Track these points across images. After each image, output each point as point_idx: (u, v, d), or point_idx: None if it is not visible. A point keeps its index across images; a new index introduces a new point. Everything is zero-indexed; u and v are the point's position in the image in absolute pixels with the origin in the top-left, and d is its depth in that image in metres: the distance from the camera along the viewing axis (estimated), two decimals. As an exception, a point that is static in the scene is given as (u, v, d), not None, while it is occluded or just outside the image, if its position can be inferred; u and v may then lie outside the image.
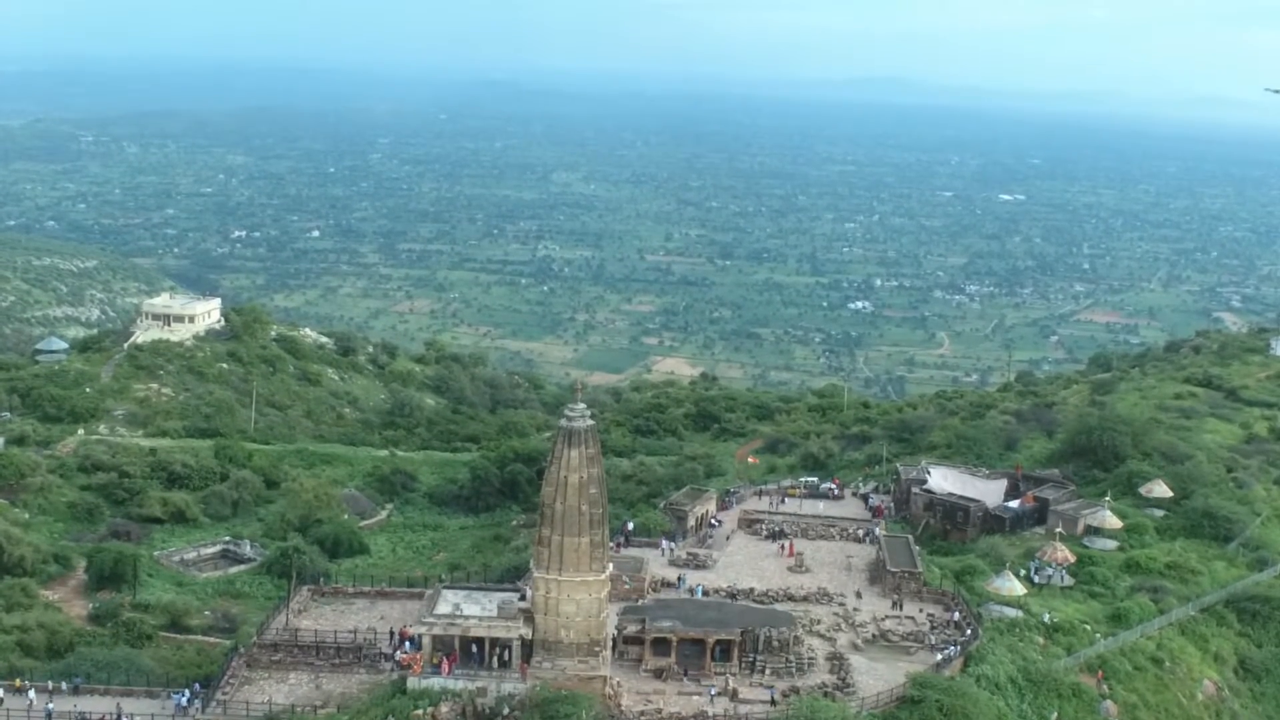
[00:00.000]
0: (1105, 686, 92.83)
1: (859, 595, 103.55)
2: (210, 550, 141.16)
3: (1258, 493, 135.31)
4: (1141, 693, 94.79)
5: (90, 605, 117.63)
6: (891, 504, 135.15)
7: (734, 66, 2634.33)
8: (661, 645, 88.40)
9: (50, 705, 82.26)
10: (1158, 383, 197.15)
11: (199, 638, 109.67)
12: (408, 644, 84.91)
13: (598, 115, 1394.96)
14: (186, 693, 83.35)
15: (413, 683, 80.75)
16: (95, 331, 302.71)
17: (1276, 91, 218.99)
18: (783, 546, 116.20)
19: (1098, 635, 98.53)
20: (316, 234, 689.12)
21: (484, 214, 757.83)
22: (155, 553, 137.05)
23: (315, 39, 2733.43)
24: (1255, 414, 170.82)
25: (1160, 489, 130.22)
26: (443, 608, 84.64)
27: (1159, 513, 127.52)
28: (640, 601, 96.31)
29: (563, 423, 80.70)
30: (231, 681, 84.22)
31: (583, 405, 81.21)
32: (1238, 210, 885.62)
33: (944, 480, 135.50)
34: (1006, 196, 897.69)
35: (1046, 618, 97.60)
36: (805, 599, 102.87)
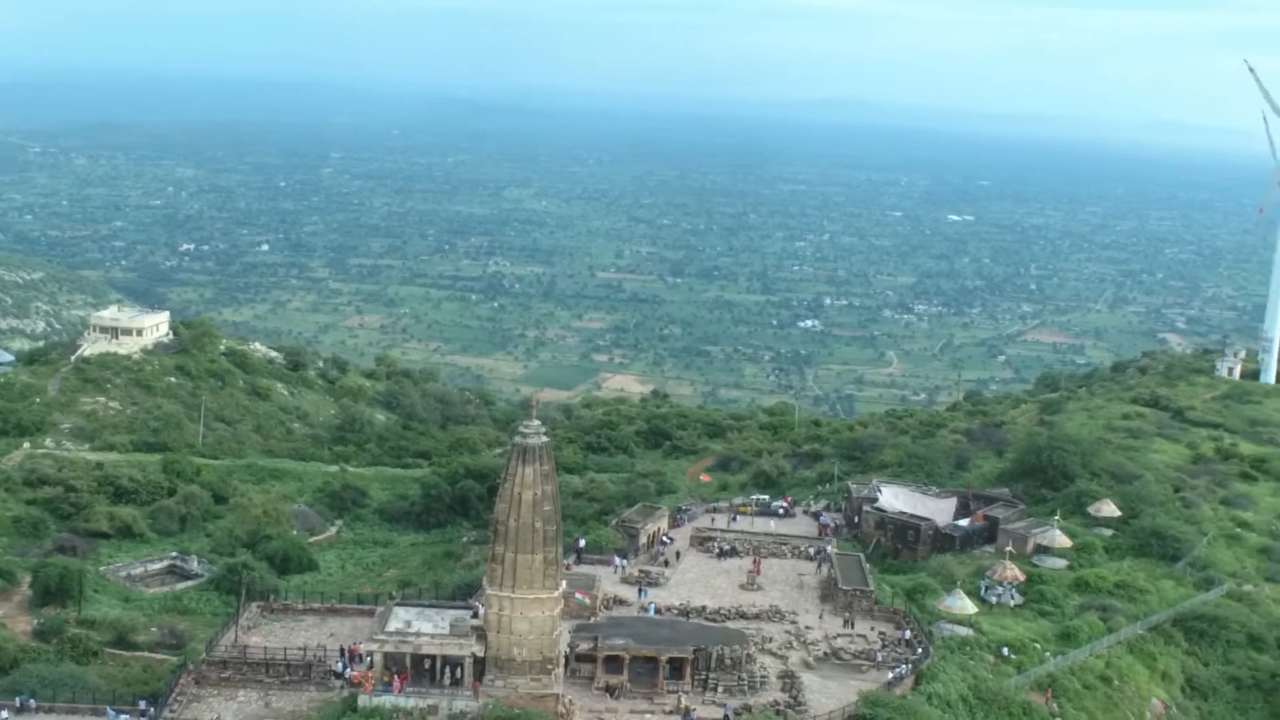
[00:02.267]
0: (1055, 705, 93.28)
1: (821, 618, 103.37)
2: (157, 566, 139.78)
3: (1205, 513, 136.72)
4: (1091, 711, 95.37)
5: (35, 621, 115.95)
6: (843, 522, 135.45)
7: (694, 86, 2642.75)
8: (614, 663, 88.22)
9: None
10: (1105, 403, 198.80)
11: (146, 654, 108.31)
12: (363, 660, 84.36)
13: (552, 132, 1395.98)
14: (120, 710, 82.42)
15: (364, 700, 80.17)
16: (41, 344, 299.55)
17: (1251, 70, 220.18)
18: (755, 562, 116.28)
19: (1047, 654, 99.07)
20: (266, 248, 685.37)
21: (435, 229, 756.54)
22: (101, 568, 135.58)
23: (273, 55, 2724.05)
24: (1202, 434, 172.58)
25: (1109, 508, 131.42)
26: (394, 625, 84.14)
27: (1108, 532, 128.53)
28: (593, 619, 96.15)
29: (517, 439, 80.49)
30: (179, 699, 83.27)
31: (537, 422, 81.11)
32: (1183, 233, 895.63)
33: (895, 499, 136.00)
34: (955, 217, 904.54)
35: (1005, 651, 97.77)
36: (757, 617, 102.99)
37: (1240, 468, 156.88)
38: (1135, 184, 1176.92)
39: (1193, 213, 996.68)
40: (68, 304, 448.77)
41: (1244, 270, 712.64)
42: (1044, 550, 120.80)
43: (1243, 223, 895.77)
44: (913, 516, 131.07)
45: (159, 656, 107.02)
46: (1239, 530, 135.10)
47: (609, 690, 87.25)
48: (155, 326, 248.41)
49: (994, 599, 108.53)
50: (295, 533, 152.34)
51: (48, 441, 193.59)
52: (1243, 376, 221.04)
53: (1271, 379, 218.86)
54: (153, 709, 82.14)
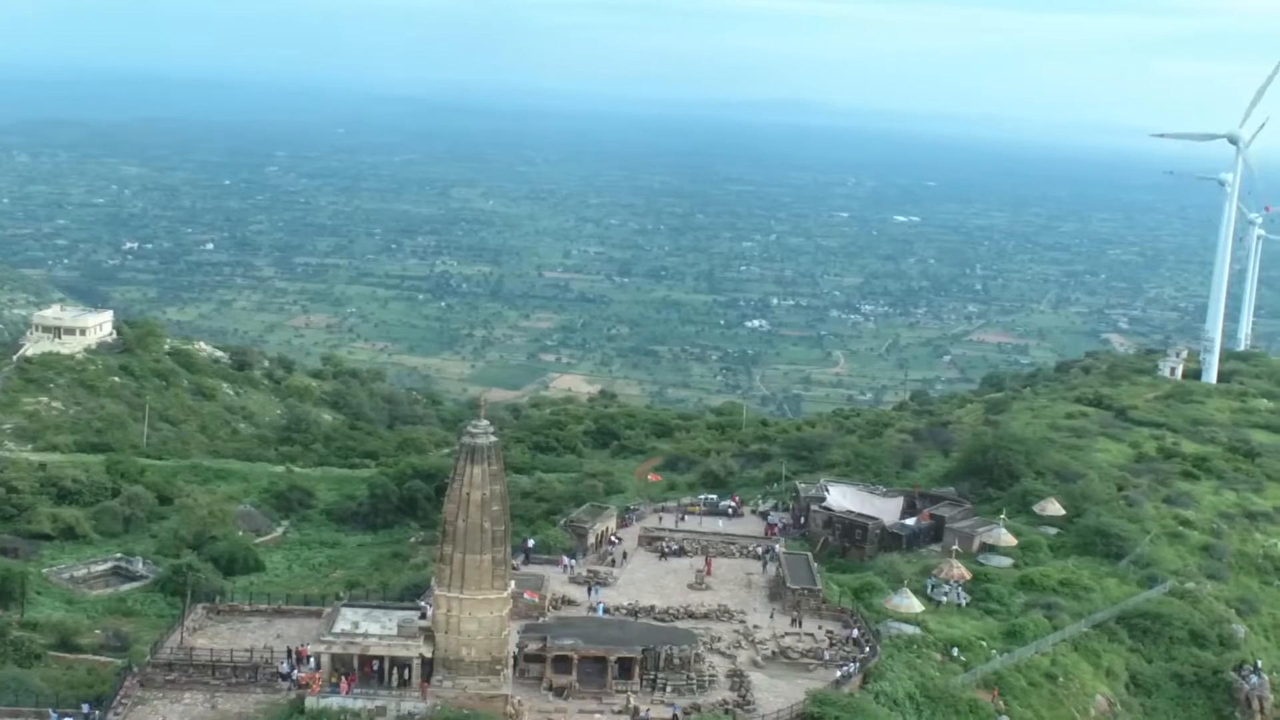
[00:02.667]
0: (1001, 703, 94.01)
1: (770, 617, 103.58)
2: (101, 567, 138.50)
3: (1147, 511, 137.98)
4: (1036, 708, 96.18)
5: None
6: (790, 522, 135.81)
7: (641, 87, 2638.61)
8: (563, 663, 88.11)
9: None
10: (1049, 402, 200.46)
11: (90, 657, 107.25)
12: (310, 662, 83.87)
13: (499, 132, 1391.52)
14: (64, 714, 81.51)
15: (311, 702, 79.68)
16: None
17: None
18: (706, 562, 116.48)
19: (993, 652, 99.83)
20: (211, 246, 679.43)
21: (382, 229, 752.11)
22: (44, 570, 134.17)
23: (216, 52, 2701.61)
24: (1144, 434, 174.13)
25: (1053, 507, 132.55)
26: (341, 626, 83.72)
27: (1052, 530, 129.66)
28: (541, 619, 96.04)
29: (465, 439, 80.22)
30: (124, 702, 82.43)
31: (485, 421, 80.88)
32: (1126, 234, 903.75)
33: (842, 498, 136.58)
34: (902, 218, 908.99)
35: (953, 650, 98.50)
36: (706, 616, 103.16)
37: (1182, 467, 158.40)
38: (1078, 185, 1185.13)
39: (1134, 214, 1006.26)
40: (9, 303, 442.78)
41: (1186, 271, 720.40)
42: (990, 549, 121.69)
43: (1184, 224, 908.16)
44: (860, 516, 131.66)
45: (103, 659, 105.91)
46: (1181, 528, 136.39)
47: (558, 690, 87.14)
48: (99, 326, 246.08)
49: (941, 597, 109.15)
50: (241, 534, 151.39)
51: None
52: (1185, 376, 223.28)
53: (1213, 379, 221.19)
54: (97, 712, 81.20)
